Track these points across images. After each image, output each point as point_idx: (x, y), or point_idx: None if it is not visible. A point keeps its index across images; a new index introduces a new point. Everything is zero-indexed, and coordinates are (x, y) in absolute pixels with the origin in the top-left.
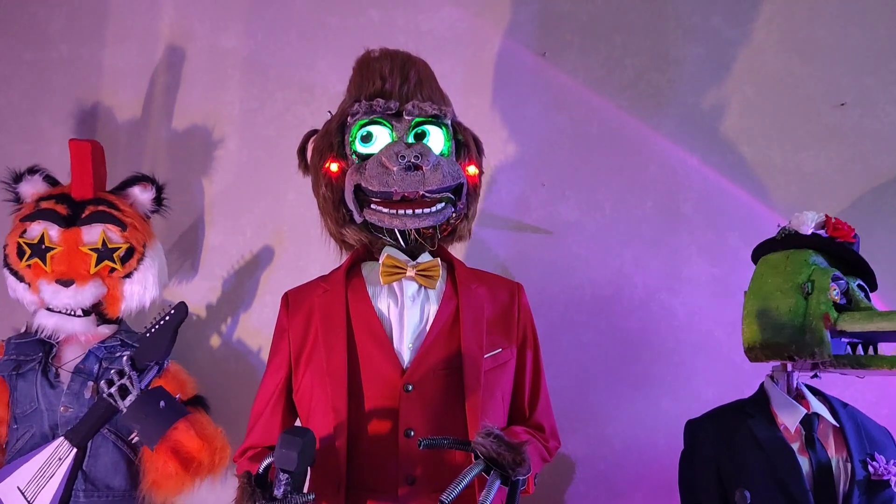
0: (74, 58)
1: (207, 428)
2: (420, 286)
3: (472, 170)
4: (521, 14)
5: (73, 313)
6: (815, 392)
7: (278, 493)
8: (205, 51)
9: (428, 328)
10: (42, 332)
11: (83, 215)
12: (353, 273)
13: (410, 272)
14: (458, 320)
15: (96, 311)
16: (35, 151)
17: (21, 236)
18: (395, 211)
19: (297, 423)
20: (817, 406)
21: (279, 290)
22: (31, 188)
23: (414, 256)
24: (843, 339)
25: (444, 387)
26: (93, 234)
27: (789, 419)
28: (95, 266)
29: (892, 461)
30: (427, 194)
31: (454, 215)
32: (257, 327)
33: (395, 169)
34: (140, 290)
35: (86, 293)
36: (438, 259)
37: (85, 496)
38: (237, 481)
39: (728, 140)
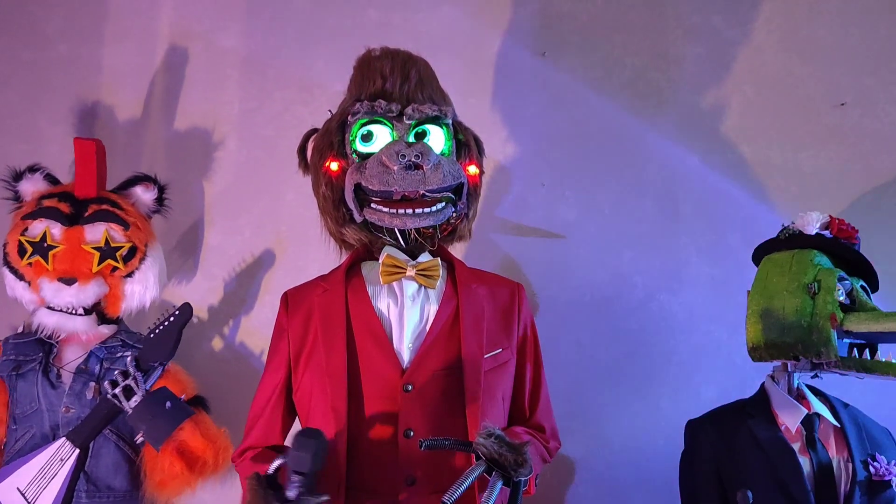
0: (73, 57)
1: (211, 428)
2: (420, 286)
3: (472, 169)
4: (520, 14)
5: (74, 312)
6: (816, 392)
7: (292, 494)
8: (204, 51)
9: (428, 328)
10: (42, 331)
11: (86, 214)
12: (353, 273)
13: (410, 272)
14: (459, 320)
15: (97, 311)
16: (34, 151)
17: (22, 234)
18: (395, 210)
19: (297, 423)
20: (818, 406)
21: (279, 290)
22: (32, 186)
23: (414, 256)
24: (846, 340)
25: (444, 387)
26: (96, 232)
27: (790, 419)
28: (98, 265)
29: (893, 461)
30: (427, 194)
31: (454, 215)
32: (257, 327)
33: (395, 168)
34: (141, 290)
35: (88, 292)
36: (438, 259)
37: (87, 497)
38: (237, 481)
39: (728, 140)
